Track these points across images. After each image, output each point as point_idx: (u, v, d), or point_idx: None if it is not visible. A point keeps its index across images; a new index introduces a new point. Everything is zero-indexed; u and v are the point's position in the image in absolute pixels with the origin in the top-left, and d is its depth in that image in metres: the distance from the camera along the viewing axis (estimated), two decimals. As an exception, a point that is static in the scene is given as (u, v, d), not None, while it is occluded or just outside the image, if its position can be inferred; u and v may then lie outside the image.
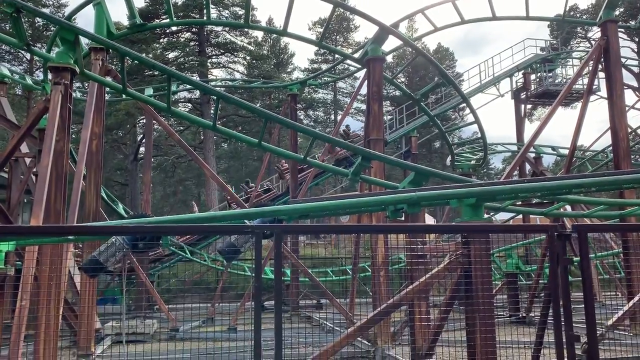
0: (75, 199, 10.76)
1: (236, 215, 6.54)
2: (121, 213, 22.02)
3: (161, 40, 42.68)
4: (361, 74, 19.82)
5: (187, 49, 42.55)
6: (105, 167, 31.29)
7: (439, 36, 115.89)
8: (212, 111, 37.58)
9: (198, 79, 32.83)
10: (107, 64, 13.79)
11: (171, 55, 42.43)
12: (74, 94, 11.54)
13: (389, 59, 46.98)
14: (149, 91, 21.42)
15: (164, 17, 37.74)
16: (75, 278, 12.74)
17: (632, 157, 23.55)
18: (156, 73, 39.04)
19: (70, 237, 5.94)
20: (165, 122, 20.01)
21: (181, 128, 44.15)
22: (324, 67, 48.38)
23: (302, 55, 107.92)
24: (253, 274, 4.91)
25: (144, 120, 39.45)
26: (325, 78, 30.71)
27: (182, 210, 48.16)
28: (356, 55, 14.90)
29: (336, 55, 45.83)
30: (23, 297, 6.97)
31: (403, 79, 56.02)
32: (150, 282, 18.13)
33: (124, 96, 19.78)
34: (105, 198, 20.54)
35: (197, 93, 41.24)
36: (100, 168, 13.32)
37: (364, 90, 18.08)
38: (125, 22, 31.19)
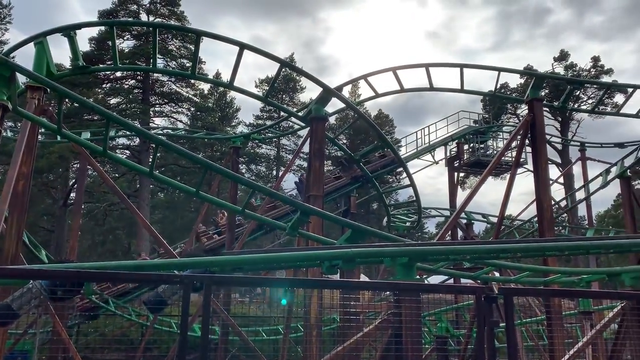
0: (-8, 241, 10.07)
1: (166, 265, 6.32)
2: (43, 260, 20.71)
3: (104, 86, 42.10)
4: (304, 132, 20.22)
5: (130, 96, 42.07)
6: (31, 210, 29.61)
7: (381, 103, 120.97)
8: (150, 159, 36.92)
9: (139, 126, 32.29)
10: (44, 104, 13.34)
11: (113, 101, 41.82)
12: (4, 133, 11.03)
13: (332, 120, 48.34)
14: (86, 135, 20.76)
15: (108, 62, 37.36)
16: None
17: (556, 228, 24.88)
18: (95, 118, 38.19)
19: (-19, 280, 5.50)
20: (99, 167, 19.38)
21: (116, 175, 42.87)
22: (269, 123, 48.99)
23: (248, 111, 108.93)
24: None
25: (78, 165, 38.05)
26: (269, 134, 31.09)
27: (110, 260, 45.89)
28: (300, 114, 15.25)
29: (281, 113, 46.66)
30: None
31: (345, 141, 57.45)
32: (68, 337, 16.92)
33: (59, 138, 19.13)
34: (28, 243, 19.30)
35: (137, 140, 40.46)
36: (25, 211, 12.55)
37: (306, 148, 18.37)
38: (68, 65, 30.60)
